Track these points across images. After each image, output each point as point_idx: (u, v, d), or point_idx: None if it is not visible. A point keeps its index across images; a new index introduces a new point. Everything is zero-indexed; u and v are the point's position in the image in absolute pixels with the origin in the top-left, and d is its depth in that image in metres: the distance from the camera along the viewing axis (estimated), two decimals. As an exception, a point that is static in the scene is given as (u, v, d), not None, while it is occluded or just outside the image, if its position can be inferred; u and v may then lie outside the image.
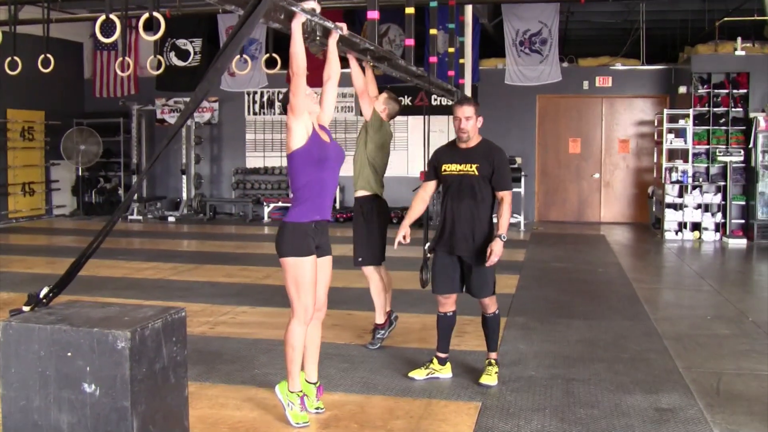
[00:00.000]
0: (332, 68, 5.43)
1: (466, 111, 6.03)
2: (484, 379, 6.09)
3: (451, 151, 6.20)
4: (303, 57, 4.77)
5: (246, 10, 4.08)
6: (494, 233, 5.93)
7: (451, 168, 6.05)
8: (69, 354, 3.89)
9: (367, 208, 7.16)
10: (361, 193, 7.17)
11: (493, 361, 6.24)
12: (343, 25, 5.47)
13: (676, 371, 6.44)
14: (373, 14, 6.98)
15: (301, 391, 5.20)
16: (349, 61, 6.69)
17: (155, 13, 7.98)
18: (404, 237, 6.15)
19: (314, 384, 5.43)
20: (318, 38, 5.25)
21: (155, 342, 4.01)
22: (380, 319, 7.21)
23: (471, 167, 5.98)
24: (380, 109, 7.23)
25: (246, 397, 5.71)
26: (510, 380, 6.20)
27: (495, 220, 6.03)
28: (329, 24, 5.18)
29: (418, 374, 6.22)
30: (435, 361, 6.28)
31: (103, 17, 8.42)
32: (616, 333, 7.82)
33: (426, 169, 6.45)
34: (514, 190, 16.40)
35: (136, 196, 18.77)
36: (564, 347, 7.27)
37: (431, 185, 6.31)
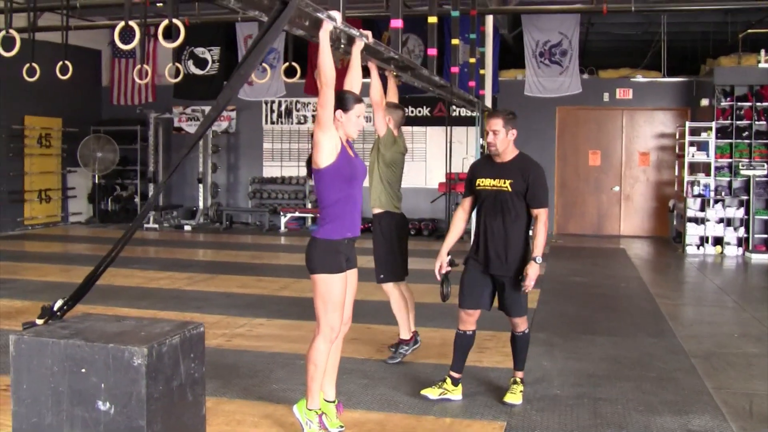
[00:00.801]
0: (354, 78, 5.27)
1: (493, 123, 5.80)
2: (509, 398, 5.93)
3: (486, 164, 6.00)
4: (332, 67, 4.63)
5: (270, 16, 3.95)
6: (529, 254, 5.73)
7: (485, 183, 5.85)
8: (83, 370, 3.76)
9: (384, 225, 7.02)
10: (377, 210, 7.02)
11: (518, 380, 6.08)
12: (368, 33, 5.34)
13: (705, 392, 6.26)
14: (397, 23, 6.86)
15: (320, 410, 5.05)
16: (371, 71, 6.54)
17: (175, 21, 7.87)
18: (440, 267, 5.99)
19: (332, 402, 5.28)
20: (342, 46, 5.12)
21: (172, 358, 3.88)
22: (405, 334, 7.06)
23: (504, 183, 5.77)
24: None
25: (264, 414, 5.57)
26: (535, 399, 6.04)
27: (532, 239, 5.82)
28: (354, 31, 5.05)
29: (431, 393, 6.02)
30: (448, 381, 6.05)
31: (122, 24, 8.33)
32: (641, 350, 7.64)
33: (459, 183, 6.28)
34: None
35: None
36: (588, 365, 7.10)
37: (468, 202, 6.11)
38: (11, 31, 10.03)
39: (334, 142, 4.84)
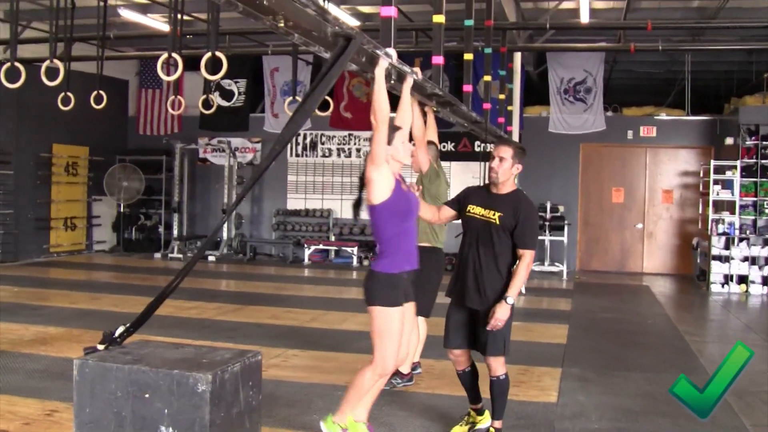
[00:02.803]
0: (404, 116, 5.26)
1: (502, 151, 5.61)
2: None
3: (481, 193, 5.79)
4: (387, 105, 4.66)
5: (335, 52, 4.06)
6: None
7: (475, 210, 5.64)
8: (147, 395, 3.84)
9: (425, 261, 7.05)
10: (422, 243, 7.07)
11: (493, 430, 5.82)
12: (418, 70, 5.42)
13: (743, 428, 6.27)
14: (438, 59, 6.95)
15: (345, 425, 5.06)
16: (412, 108, 6.61)
17: (217, 54, 8.00)
18: None
19: (362, 423, 5.22)
20: (392, 82, 5.21)
21: (233, 386, 3.96)
22: (405, 369, 7.12)
23: (494, 215, 5.54)
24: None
25: (307, 443, 5.62)
26: (575, 433, 6.06)
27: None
28: (406, 68, 5.15)
29: (460, 431, 5.97)
30: (472, 413, 5.99)
31: (165, 56, 8.46)
32: (675, 387, 7.63)
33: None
34: (557, 238, 16.61)
35: (176, 234, 18.84)
36: (624, 400, 7.11)
37: (448, 210, 5.92)
38: (55, 60, 10.16)
39: (387, 178, 4.87)
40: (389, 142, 4.96)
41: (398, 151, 5.03)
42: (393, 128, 5.03)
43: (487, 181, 5.86)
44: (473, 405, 5.99)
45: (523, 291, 13.77)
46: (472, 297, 5.58)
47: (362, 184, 5.07)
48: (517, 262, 5.57)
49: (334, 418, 5.08)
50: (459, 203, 5.85)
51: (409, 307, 5.19)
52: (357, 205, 5.12)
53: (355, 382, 5.06)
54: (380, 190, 4.86)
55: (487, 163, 5.73)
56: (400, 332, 5.01)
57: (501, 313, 5.38)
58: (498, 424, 5.80)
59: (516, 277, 5.48)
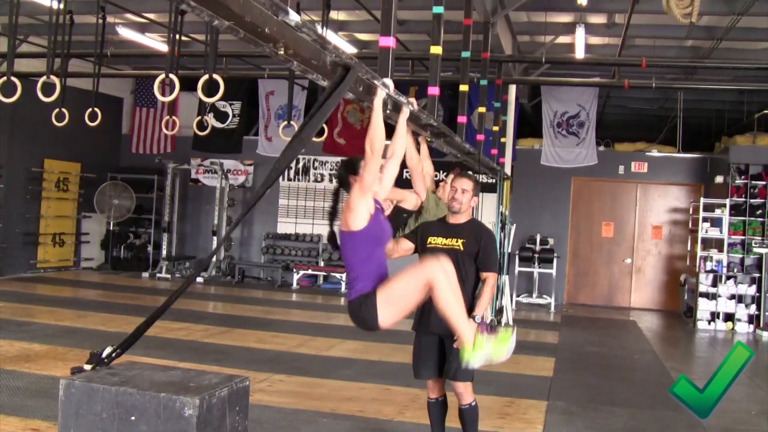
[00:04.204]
0: (398, 144, 5.19)
1: (464, 184, 5.78)
2: None
3: (438, 226, 5.90)
4: (383, 136, 4.63)
5: (333, 81, 4.09)
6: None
7: (437, 241, 5.74)
8: (133, 418, 3.82)
9: None
10: None
11: None
12: (413, 100, 5.44)
13: (728, 468, 6.28)
14: (434, 90, 6.99)
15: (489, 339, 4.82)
16: (407, 137, 6.64)
17: (215, 76, 8.03)
18: None
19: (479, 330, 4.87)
20: (387, 112, 5.22)
21: (220, 411, 3.95)
22: None
23: (457, 242, 5.69)
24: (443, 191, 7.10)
25: (291, 470, 5.59)
26: (559, 468, 6.05)
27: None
28: (402, 99, 5.17)
29: None
30: None
31: (162, 76, 8.49)
32: (660, 423, 7.66)
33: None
34: (546, 271, 16.64)
35: (165, 254, 18.80)
36: (609, 436, 7.13)
37: (406, 243, 5.89)
38: (51, 77, 10.17)
39: (368, 206, 4.78)
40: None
41: (382, 191, 5.08)
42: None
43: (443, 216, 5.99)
44: None
45: (511, 323, 13.78)
46: (439, 323, 5.32)
47: (334, 211, 5.00)
48: (481, 284, 5.70)
49: (469, 348, 4.76)
50: (417, 236, 5.90)
51: None
52: (333, 239, 5.03)
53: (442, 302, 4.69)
54: (358, 218, 4.72)
55: (448, 192, 5.91)
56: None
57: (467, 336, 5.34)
58: None
59: (482, 298, 5.60)
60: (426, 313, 5.64)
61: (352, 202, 4.75)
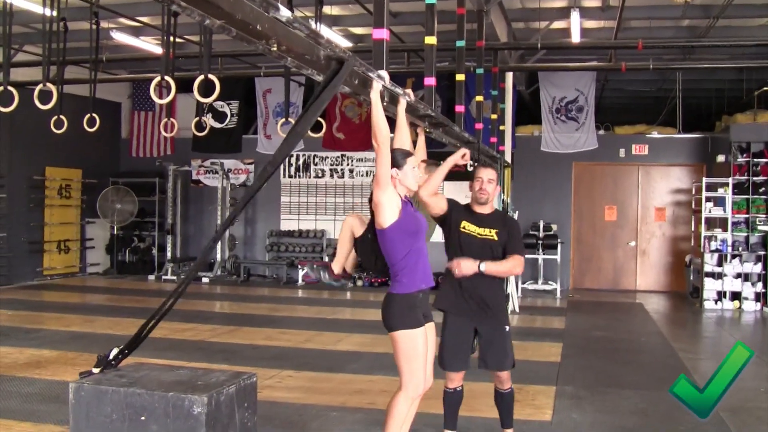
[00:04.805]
0: (403, 138, 5.29)
1: (490, 174, 5.78)
2: None
3: (468, 212, 5.81)
4: (386, 127, 4.66)
5: (327, 76, 4.10)
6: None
7: (470, 228, 5.71)
8: (143, 418, 3.84)
9: None
10: None
11: None
12: (410, 92, 5.46)
13: (738, 446, 6.29)
14: (431, 81, 7.00)
15: None
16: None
17: (210, 76, 8.04)
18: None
19: None
20: (384, 104, 5.24)
21: (229, 408, 3.96)
22: None
23: (491, 232, 5.69)
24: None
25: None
26: (569, 452, 6.07)
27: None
28: (399, 90, 5.18)
29: None
30: None
31: (158, 78, 8.50)
32: (669, 404, 7.60)
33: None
34: (550, 257, 16.64)
35: (170, 256, 18.83)
36: (618, 418, 7.14)
37: (442, 202, 5.77)
38: (48, 84, 10.19)
39: (395, 200, 4.83)
40: (400, 167, 4.94)
41: (407, 176, 5.00)
42: (405, 153, 5.04)
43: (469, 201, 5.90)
44: (449, 431, 5.97)
45: (517, 310, 13.81)
46: (479, 313, 5.65)
47: (372, 209, 4.98)
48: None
49: None
50: (450, 208, 5.80)
51: (430, 327, 5.10)
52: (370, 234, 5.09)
53: (391, 412, 4.95)
54: (389, 213, 4.81)
55: (473, 184, 5.79)
56: (425, 353, 4.95)
57: (465, 265, 5.49)
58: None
59: (503, 263, 5.59)
60: (459, 294, 5.69)
61: (376, 199, 4.78)
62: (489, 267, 5.49)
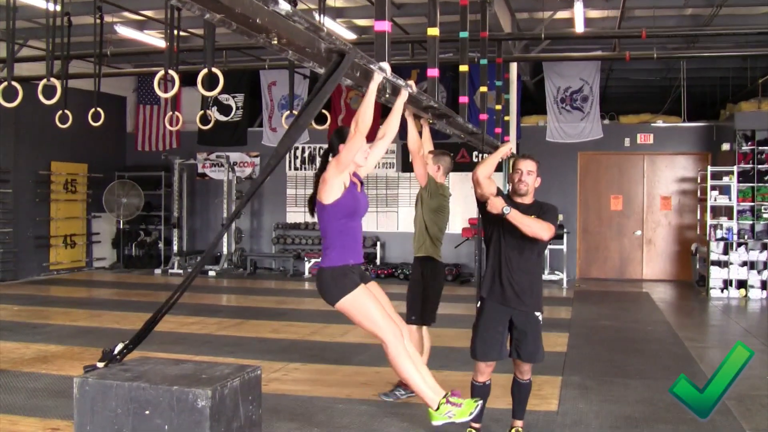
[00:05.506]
0: (392, 126, 5.49)
1: (529, 165, 5.79)
2: None
3: (510, 202, 5.75)
4: (371, 118, 4.79)
5: (328, 68, 4.09)
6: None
7: None
8: (147, 412, 3.86)
9: (427, 270, 7.16)
10: (421, 253, 7.17)
11: (521, 430, 6.04)
12: (412, 83, 5.46)
13: (744, 434, 6.29)
14: (434, 72, 6.98)
15: (443, 397, 5.09)
16: (407, 121, 6.69)
17: (214, 70, 8.04)
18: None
19: (448, 395, 5.16)
20: (387, 95, 5.24)
21: (233, 401, 3.98)
22: None
23: None
24: (434, 171, 7.21)
25: (308, 457, 5.63)
26: (575, 442, 6.07)
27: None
28: (401, 82, 5.18)
29: None
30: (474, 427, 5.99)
31: (161, 72, 8.50)
32: (675, 394, 7.64)
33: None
34: (557, 247, 16.62)
35: (176, 249, 18.86)
36: (624, 407, 7.13)
37: (494, 187, 5.77)
38: (52, 79, 10.20)
39: (343, 180, 5.07)
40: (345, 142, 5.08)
41: (365, 168, 5.49)
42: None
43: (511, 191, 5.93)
44: (475, 423, 5.95)
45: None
46: (516, 300, 5.67)
47: (320, 173, 5.21)
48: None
49: (432, 410, 5.09)
50: (497, 194, 5.76)
51: (372, 285, 5.29)
52: (312, 203, 5.32)
53: (399, 365, 5.07)
54: (332, 191, 5.06)
55: (513, 176, 5.84)
56: (377, 302, 5.10)
57: (494, 204, 5.56)
58: (521, 423, 6.07)
59: (530, 218, 5.59)
60: (497, 281, 5.73)
61: (328, 177, 5.06)
62: (514, 214, 5.52)
